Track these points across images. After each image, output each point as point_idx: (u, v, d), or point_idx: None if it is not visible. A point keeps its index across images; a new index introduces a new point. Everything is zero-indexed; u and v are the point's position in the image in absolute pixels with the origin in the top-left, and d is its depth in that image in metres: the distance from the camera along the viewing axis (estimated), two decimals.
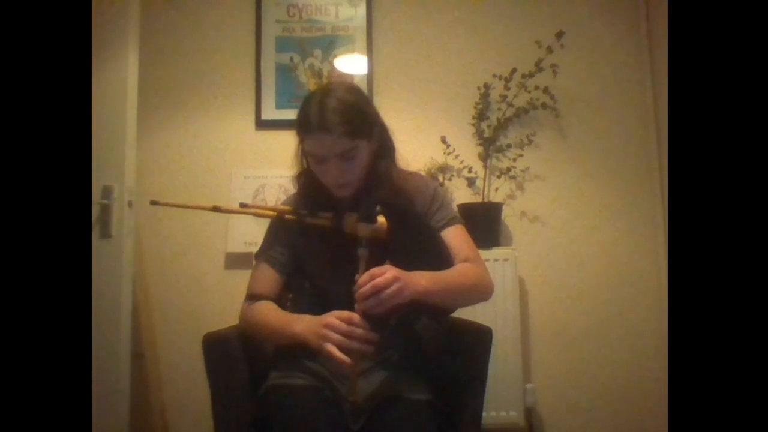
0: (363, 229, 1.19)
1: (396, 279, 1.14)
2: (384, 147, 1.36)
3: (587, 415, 2.19)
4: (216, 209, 1.36)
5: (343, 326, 1.15)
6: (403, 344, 1.33)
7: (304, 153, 1.34)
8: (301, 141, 1.31)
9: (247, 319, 1.37)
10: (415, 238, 1.26)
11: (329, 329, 1.15)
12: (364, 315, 1.15)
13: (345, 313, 1.17)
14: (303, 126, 1.27)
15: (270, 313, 1.33)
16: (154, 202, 1.38)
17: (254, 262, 1.43)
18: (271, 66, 2.36)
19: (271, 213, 1.35)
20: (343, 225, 1.25)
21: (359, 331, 1.14)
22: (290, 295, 1.40)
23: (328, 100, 1.24)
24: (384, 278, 1.13)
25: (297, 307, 1.35)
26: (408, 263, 1.20)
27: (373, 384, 1.26)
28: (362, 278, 1.14)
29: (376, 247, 1.19)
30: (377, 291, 1.13)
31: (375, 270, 1.15)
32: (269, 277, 1.38)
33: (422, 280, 1.20)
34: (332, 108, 1.23)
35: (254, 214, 1.35)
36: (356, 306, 1.15)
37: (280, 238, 1.40)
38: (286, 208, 1.36)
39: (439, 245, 1.31)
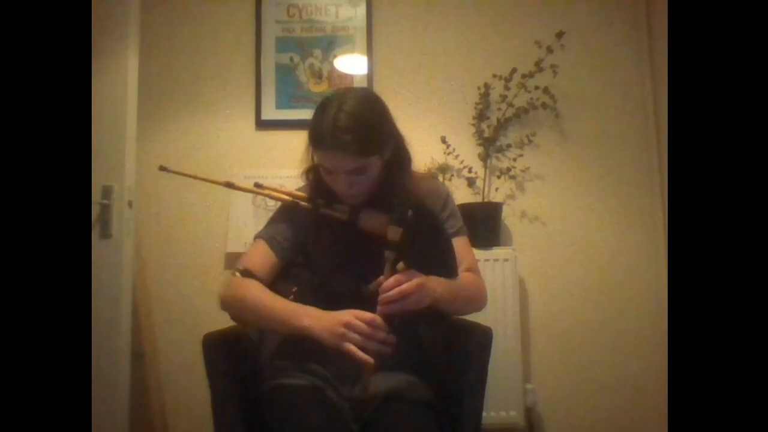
0: (393, 233, 1.16)
1: (421, 286, 1.15)
2: (399, 158, 1.32)
3: (587, 415, 2.19)
4: (229, 185, 1.34)
5: (365, 327, 1.14)
6: (403, 345, 1.33)
7: (314, 159, 1.32)
8: (313, 150, 1.28)
9: (237, 293, 1.30)
10: (432, 243, 1.26)
11: (349, 329, 1.14)
12: (385, 316, 1.15)
13: (367, 315, 1.15)
14: (315, 139, 1.23)
15: (269, 296, 1.27)
16: (163, 168, 1.36)
17: (254, 240, 1.39)
18: (271, 66, 2.36)
19: (285, 197, 1.33)
20: (358, 221, 1.25)
21: (381, 333, 1.14)
22: (294, 289, 1.38)
23: (341, 116, 1.19)
24: (410, 285, 1.13)
25: (300, 300, 1.34)
26: (422, 268, 1.20)
27: (374, 384, 1.26)
28: (388, 282, 1.14)
29: (393, 249, 1.19)
30: (403, 297, 1.13)
31: (401, 275, 1.15)
32: (266, 258, 1.34)
33: (438, 286, 1.21)
34: (346, 126, 1.18)
35: (268, 196, 1.33)
36: (378, 308, 1.15)
37: (287, 223, 1.37)
38: (301, 194, 1.34)
39: (452, 254, 1.31)
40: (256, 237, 1.40)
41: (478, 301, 1.36)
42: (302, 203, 1.31)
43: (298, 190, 1.43)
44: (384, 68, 2.36)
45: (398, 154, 1.33)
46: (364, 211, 1.25)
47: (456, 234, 1.37)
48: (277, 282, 1.36)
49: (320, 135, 1.21)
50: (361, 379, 1.20)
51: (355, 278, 1.21)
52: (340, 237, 1.30)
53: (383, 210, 1.24)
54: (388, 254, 1.17)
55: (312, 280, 1.36)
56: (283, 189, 1.37)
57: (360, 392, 1.21)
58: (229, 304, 1.32)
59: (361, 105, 1.23)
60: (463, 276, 1.32)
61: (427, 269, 1.21)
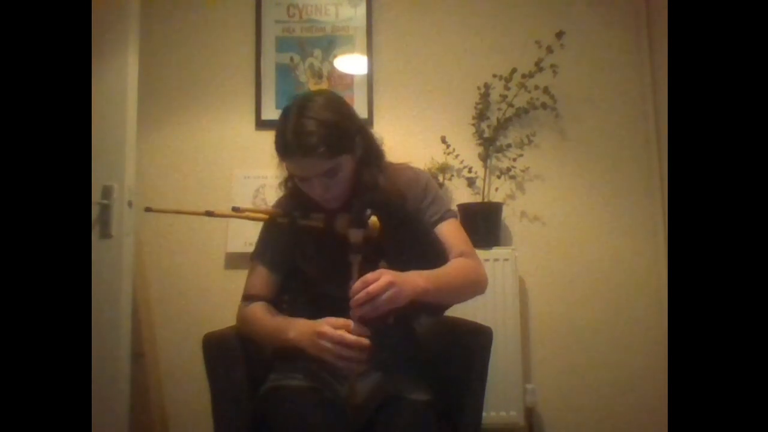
0: (354, 235, 1.17)
1: (391, 284, 1.12)
2: (369, 154, 1.32)
3: (587, 415, 2.19)
4: (209, 214, 1.36)
5: (336, 335, 1.14)
6: (402, 345, 1.33)
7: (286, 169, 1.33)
8: (281, 160, 1.27)
9: (242, 320, 1.38)
10: (409, 237, 1.25)
11: (322, 339, 1.15)
12: (361, 319, 1.14)
13: (339, 321, 1.16)
14: (281, 149, 1.23)
15: (264, 315, 1.33)
16: (148, 209, 1.39)
17: (250, 263, 1.43)
18: (271, 66, 2.36)
19: (263, 216, 1.35)
20: (335, 226, 1.25)
21: (351, 337, 1.14)
22: (286, 297, 1.40)
23: (304, 121, 1.19)
24: (378, 285, 1.11)
25: (292, 309, 1.35)
26: (403, 263, 1.19)
27: (373, 385, 1.26)
28: (356, 285, 1.13)
29: (370, 249, 1.19)
30: (372, 298, 1.11)
31: (369, 276, 1.13)
32: (265, 278, 1.39)
33: (419, 280, 1.19)
34: (309, 130, 1.18)
35: (247, 218, 1.35)
36: (351, 312, 1.14)
37: (274, 239, 1.40)
38: (278, 211, 1.35)
39: (433, 243, 1.29)
40: (252, 258, 1.43)
41: (474, 284, 1.32)
42: (279, 219, 1.31)
43: (275, 203, 1.44)
44: (384, 68, 2.36)
45: (369, 151, 1.32)
46: (339, 216, 1.25)
47: (441, 219, 1.34)
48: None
49: (285, 144, 1.20)
50: (348, 382, 1.20)
51: (340, 282, 1.21)
52: (322, 244, 1.30)
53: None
54: (353, 257, 1.17)
55: (300, 287, 1.37)
56: (259, 208, 1.40)
57: (347, 397, 1.22)
58: (239, 331, 1.40)
59: (322, 107, 1.22)
60: (454, 262, 1.29)
61: (408, 264, 1.20)
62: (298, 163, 1.22)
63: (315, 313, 1.23)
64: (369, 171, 1.31)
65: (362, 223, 1.18)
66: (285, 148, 1.21)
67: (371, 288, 1.11)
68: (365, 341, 1.14)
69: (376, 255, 1.20)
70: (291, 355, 1.27)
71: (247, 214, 1.34)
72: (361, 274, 1.14)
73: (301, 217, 1.29)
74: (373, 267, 1.16)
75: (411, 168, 1.43)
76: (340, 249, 1.21)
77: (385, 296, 1.12)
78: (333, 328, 1.15)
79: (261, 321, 1.32)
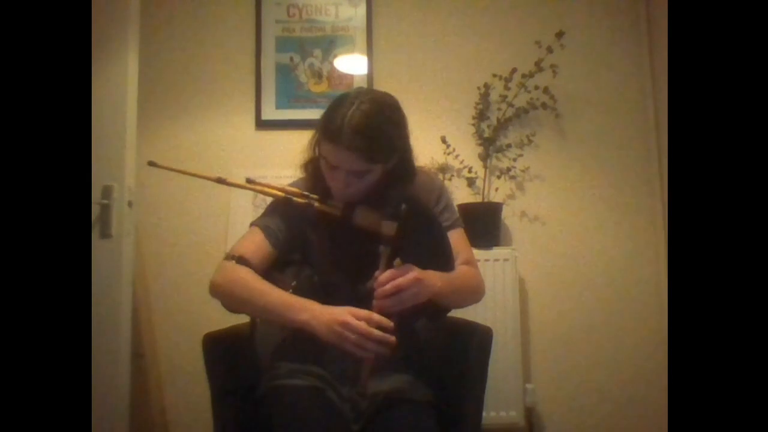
0: (388, 228, 1.16)
1: (418, 280, 1.14)
2: (401, 169, 1.30)
3: (587, 415, 2.19)
4: (220, 181, 1.34)
5: (361, 326, 1.12)
6: (403, 344, 1.33)
7: (319, 149, 1.31)
8: (320, 141, 1.26)
9: (231, 279, 1.27)
10: (427, 237, 1.25)
11: (346, 329, 1.13)
12: (381, 311, 1.14)
13: (363, 312, 1.14)
14: (326, 132, 1.22)
15: (266, 286, 1.25)
16: (152, 163, 1.35)
17: (249, 228, 1.37)
18: (271, 66, 2.36)
19: (278, 192, 1.32)
20: (353, 217, 1.24)
21: (378, 332, 1.13)
22: (293, 283, 1.37)
23: (356, 115, 1.18)
24: (406, 279, 1.13)
25: (299, 295, 1.33)
26: (418, 262, 1.20)
27: (374, 385, 1.26)
28: (382, 276, 1.13)
29: (399, 243, 1.18)
30: (399, 291, 1.12)
31: (397, 270, 1.14)
32: (261, 247, 1.31)
33: (437, 280, 1.20)
34: (357, 127, 1.17)
35: (261, 192, 1.33)
36: (374, 303, 1.14)
37: (283, 215, 1.35)
38: (295, 189, 1.33)
39: (446, 247, 1.30)
40: (252, 224, 1.37)
41: (476, 293, 1.36)
42: (295, 199, 1.30)
43: (292, 184, 1.41)
44: (384, 68, 2.36)
45: (402, 166, 1.30)
46: (359, 208, 1.25)
47: (451, 227, 1.37)
48: (275, 275, 1.33)
49: (332, 129, 1.19)
50: (359, 376, 1.20)
51: (353, 275, 1.20)
52: (336, 234, 1.30)
53: (375, 210, 1.24)
54: (383, 249, 1.17)
55: (312, 276, 1.35)
56: (275, 185, 1.34)
57: (359, 390, 1.21)
58: (221, 290, 1.29)
59: (380, 110, 1.21)
60: (461, 269, 1.32)
61: (423, 263, 1.20)
62: (336, 152, 1.21)
63: (320, 301, 1.22)
64: (395, 184, 1.29)
65: (398, 216, 1.17)
66: (329, 133, 1.20)
67: (400, 281, 1.12)
68: (392, 338, 1.13)
69: (392, 250, 1.20)
70: (294, 351, 1.27)
71: (261, 188, 1.32)
72: (387, 266, 1.15)
73: (318, 200, 1.28)
74: (388, 261, 1.17)
75: (426, 172, 1.45)
76: (356, 241, 1.21)
77: (411, 291, 1.13)
78: (357, 319, 1.14)
79: (263, 291, 1.24)
